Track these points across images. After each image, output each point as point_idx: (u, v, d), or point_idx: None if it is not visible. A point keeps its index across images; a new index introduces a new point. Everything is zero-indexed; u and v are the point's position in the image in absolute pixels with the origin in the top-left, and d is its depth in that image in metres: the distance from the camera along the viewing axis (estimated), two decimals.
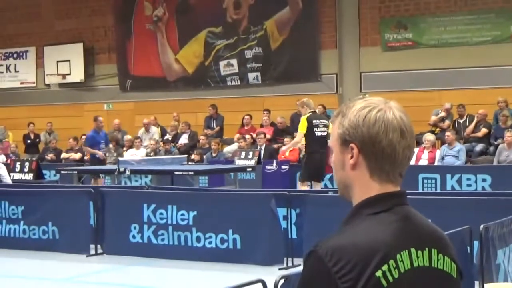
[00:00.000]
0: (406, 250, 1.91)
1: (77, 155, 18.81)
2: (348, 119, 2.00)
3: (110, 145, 16.96)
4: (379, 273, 1.84)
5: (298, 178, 13.16)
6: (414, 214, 2.01)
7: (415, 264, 1.92)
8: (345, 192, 2.05)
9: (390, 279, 1.86)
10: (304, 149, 13.19)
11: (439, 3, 17.80)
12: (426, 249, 1.95)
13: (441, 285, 1.97)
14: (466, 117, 16.67)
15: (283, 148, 14.76)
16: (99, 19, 21.47)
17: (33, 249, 10.43)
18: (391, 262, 1.87)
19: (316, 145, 12.44)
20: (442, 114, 16.76)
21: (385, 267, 1.86)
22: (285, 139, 15.96)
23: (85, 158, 18.72)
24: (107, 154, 16.54)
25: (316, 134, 12.42)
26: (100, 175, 15.13)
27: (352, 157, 1.99)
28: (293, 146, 14.04)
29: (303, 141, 12.82)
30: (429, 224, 2.05)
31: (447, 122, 16.80)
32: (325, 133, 12.40)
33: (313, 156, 12.49)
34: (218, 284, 3.95)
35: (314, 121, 12.37)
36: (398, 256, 1.89)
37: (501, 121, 16.08)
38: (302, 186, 12.76)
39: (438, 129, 16.69)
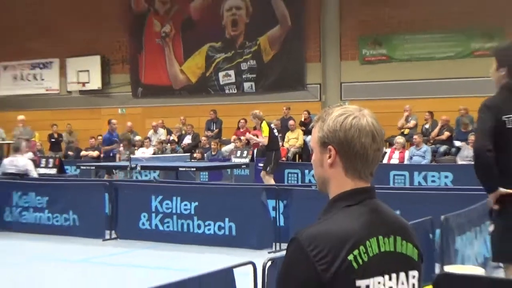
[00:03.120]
0: (375, 238, 1.94)
1: (95, 153, 18.80)
2: (327, 124, 2.02)
3: (121, 144, 17.13)
4: (350, 257, 1.87)
5: (268, 171, 13.31)
6: (381, 207, 2.03)
7: (382, 249, 1.94)
8: (322, 187, 2.07)
9: (360, 262, 1.88)
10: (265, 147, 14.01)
11: (410, 23, 17.84)
12: (392, 236, 1.98)
13: (404, 267, 1.99)
14: (431, 122, 16.79)
15: (249, 135, 15.37)
16: (115, 34, 21.47)
17: (56, 234, 10.46)
18: (361, 247, 1.90)
19: (277, 143, 14.12)
20: (405, 114, 16.85)
21: (356, 252, 1.88)
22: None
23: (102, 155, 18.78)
24: (120, 151, 16.80)
25: (275, 134, 13.96)
26: (113, 170, 15.08)
27: (330, 157, 2.01)
28: (257, 141, 14.79)
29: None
30: (394, 215, 2.07)
31: (412, 122, 16.89)
32: (277, 134, 14.33)
33: (277, 153, 13.90)
34: (215, 265, 3.97)
35: (271, 125, 13.82)
36: (367, 242, 1.92)
37: (462, 126, 16.18)
38: (269, 178, 13.08)
39: (407, 130, 16.76)
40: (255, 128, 17.54)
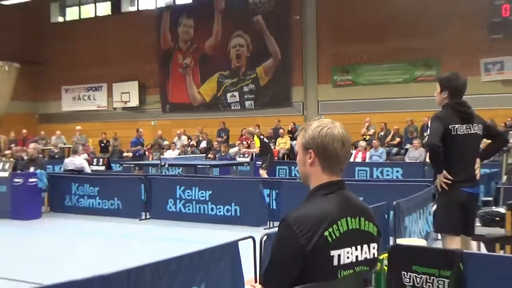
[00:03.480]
0: (344, 218, 1.94)
1: None
2: (308, 133, 2.03)
3: (144, 148, 17.45)
4: (326, 233, 1.87)
5: (263, 168, 13.29)
6: (350, 195, 2.03)
7: (350, 227, 1.94)
8: (305, 180, 2.07)
9: (334, 237, 1.88)
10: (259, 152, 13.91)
11: (370, 57, 17.88)
12: (357, 217, 1.98)
13: (367, 241, 1.99)
14: (386, 131, 16.80)
15: (248, 150, 15.75)
16: (149, 66, 21.49)
17: (104, 216, 10.46)
18: (334, 226, 1.90)
19: (269, 148, 13.92)
20: (366, 124, 16.90)
21: (330, 229, 1.88)
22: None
23: (124, 155, 18.77)
24: (149, 153, 16.90)
25: (266, 142, 13.90)
26: (136, 167, 14.87)
27: (310, 158, 2.02)
28: (252, 152, 15.08)
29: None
30: (359, 201, 2.07)
31: (372, 130, 16.92)
32: (267, 141, 14.16)
33: (271, 155, 13.75)
34: (224, 239, 3.96)
35: (261, 137, 13.81)
36: (339, 222, 1.92)
37: (409, 133, 16.21)
38: (263, 173, 13.04)
39: (368, 136, 16.77)
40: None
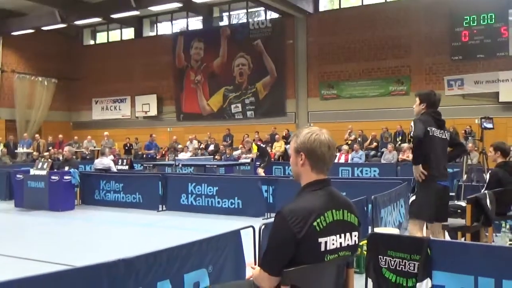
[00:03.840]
0: (330, 210, 1.93)
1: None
2: (299, 139, 2.03)
3: (159, 151, 17.42)
4: (315, 223, 1.86)
5: (261, 167, 13.23)
6: (334, 191, 2.03)
7: (335, 218, 1.94)
8: (297, 178, 2.07)
9: (321, 226, 1.88)
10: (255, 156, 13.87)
11: (351, 74, 17.90)
12: (341, 210, 1.98)
13: (349, 230, 1.99)
14: (362, 136, 16.79)
15: (248, 155, 15.54)
16: (165, 81, 21.50)
17: (128, 208, 10.44)
18: (322, 217, 1.89)
19: (267, 152, 13.76)
20: (348, 131, 16.88)
21: (318, 220, 1.88)
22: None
23: (144, 156, 18.71)
24: (166, 155, 16.83)
25: (263, 147, 13.92)
26: (152, 167, 14.75)
27: (301, 160, 2.01)
28: (250, 157, 14.99)
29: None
30: (343, 196, 2.06)
31: (353, 136, 16.92)
32: (264, 146, 14.01)
33: (268, 157, 13.55)
34: (228, 228, 3.95)
35: (258, 143, 13.68)
36: (325, 213, 1.91)
37: (384, 139, 16.18)
38: (261, 171, 13.02)
39: (350, 141, 16.77)
40: (254, 140, 17.56)
